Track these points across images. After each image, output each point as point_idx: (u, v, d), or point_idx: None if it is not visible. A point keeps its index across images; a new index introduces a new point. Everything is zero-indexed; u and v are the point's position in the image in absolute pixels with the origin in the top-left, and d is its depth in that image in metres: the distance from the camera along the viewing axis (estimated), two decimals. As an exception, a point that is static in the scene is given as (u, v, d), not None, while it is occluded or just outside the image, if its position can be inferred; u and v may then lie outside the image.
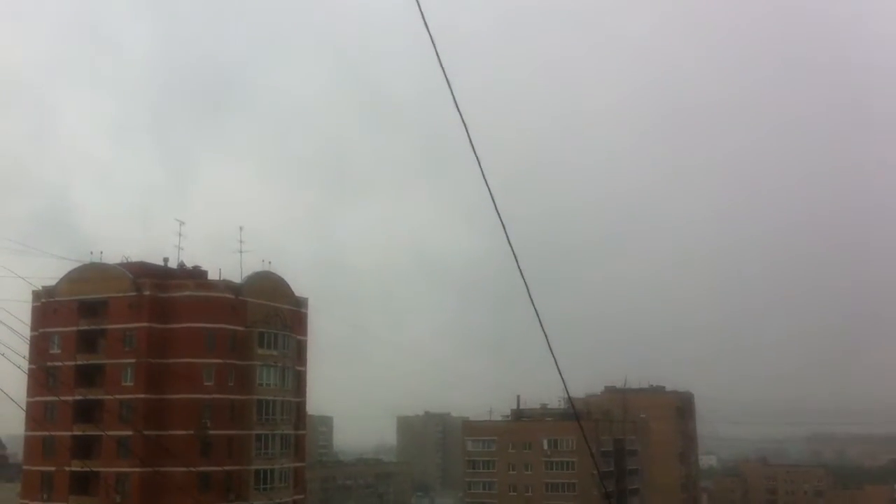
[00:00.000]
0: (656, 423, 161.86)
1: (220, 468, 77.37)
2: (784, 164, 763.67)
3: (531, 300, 16.99)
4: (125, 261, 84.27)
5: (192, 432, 77.38)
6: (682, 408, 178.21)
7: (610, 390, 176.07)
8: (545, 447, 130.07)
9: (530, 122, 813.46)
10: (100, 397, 77.01)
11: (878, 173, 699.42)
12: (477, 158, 14.40)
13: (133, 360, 78.89)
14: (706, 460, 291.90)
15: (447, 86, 13.81)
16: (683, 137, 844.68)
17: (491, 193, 14.80)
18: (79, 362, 79.87)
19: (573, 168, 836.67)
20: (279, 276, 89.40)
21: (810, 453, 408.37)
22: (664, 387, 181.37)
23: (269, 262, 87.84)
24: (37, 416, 80.00)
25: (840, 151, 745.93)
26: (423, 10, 12.66)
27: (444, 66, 13.44)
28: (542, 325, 17.29)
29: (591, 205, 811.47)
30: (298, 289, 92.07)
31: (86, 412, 78.02)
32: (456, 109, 13.88)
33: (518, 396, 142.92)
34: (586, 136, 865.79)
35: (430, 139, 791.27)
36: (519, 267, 16.28)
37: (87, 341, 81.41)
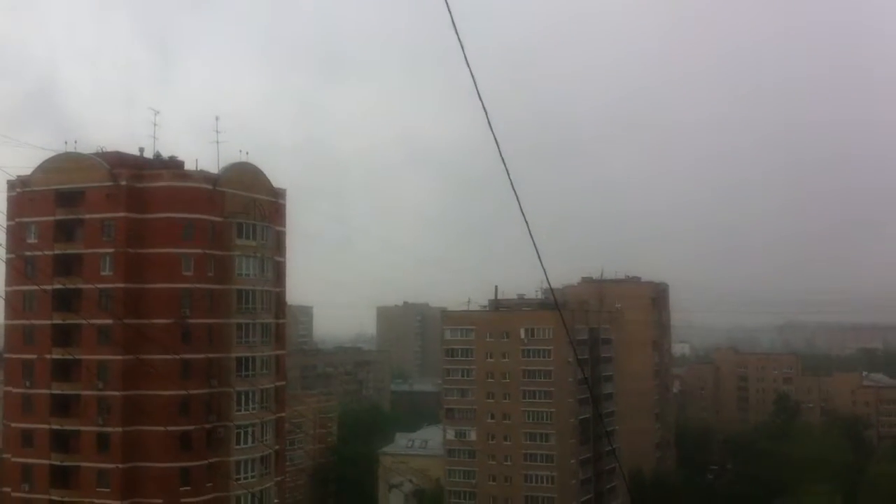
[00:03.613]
0: (631, 312, 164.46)
1: (201, 355, 78.23)
2: (779, 71, 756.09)
3: (512, 186, 16.96)
4: (100, 150, 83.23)
5: (172, 321, 77.83)
6: (656, 298, 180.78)
7: (587, 281, 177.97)
8: (522, 336, 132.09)
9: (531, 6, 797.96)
10: (79, 286, 77.20)
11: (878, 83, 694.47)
12: (459, 39, 14.14)
13: (111, 250, 78.60)
14: (679, 348, 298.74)
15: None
16: (684, 38, 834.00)
17: (473, 77, 14.58)
18: (56, 251, 79.57)
19: (572, 56, 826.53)
20: (257, 167, 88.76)
21: (781, 342, 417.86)
22: (640, 278, 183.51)
23: (247, 153, 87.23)
24: (16, 305, 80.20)
25: (838, 60, 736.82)
26: None
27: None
28: (522, 212, 17.31)
29: (587, 98, 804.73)
30: (283, 177, 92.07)
31: (65, 301, 78.16)
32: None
33: (496, 287, 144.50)
34: (590, 27, 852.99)
35: (424, 23, 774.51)
36: (500, 153, 16.19)
37: (65, 231, 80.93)
